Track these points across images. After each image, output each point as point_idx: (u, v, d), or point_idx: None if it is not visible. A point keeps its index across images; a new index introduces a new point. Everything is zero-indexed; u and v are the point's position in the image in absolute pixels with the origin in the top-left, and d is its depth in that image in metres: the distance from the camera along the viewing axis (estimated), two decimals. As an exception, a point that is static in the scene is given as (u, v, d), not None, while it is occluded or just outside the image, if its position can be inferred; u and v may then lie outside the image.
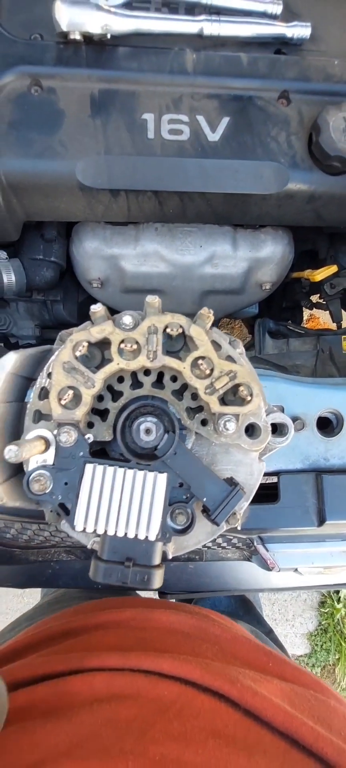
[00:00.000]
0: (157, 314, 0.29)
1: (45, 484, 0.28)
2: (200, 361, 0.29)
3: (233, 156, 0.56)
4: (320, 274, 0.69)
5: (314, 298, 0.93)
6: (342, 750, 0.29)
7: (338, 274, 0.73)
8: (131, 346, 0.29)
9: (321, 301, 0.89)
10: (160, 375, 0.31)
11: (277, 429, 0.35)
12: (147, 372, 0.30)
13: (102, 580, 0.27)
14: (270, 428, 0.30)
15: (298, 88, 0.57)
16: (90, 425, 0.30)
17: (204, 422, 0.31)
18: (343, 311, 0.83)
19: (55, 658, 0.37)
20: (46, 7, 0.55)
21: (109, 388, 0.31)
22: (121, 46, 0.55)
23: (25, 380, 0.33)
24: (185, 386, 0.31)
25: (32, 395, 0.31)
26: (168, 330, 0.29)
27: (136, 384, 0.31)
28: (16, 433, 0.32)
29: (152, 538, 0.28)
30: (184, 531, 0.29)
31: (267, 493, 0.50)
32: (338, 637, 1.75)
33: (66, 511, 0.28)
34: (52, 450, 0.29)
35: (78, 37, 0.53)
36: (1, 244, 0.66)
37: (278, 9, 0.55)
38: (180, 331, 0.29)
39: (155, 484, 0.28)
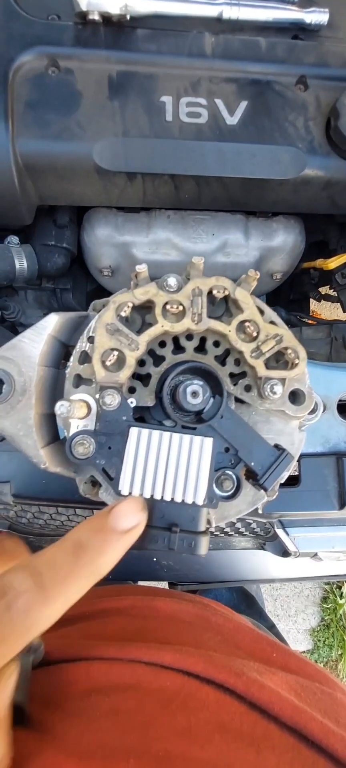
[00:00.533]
0: (202, 277, 0.29)
1: (89, 448, 0.27)
2: (246, 324, 0.29)
3: (251, 140, 0.56)
4: (333, 262, 0.69)
5: (323, 290, 0.93)
6: None
7: (350, 264, 0.74)
8: (176, 308, 0.29)
9: (330, 292, 0.90)
10: (202, 341, 0.31)
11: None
12: (189, 337, 0.30)
13: (148, 546, 0.26)
14: (314, 395, 0.30)
15: (316, 74, 0.57)
16: (131, 390, 0.29)
17: (248, 388, 0.30)
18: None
19: (53, 648, 0.36)
20: (63, -13, 0.55)
21: (151, 352, 0.30)
22: (139, 28, 0.55)
23: (62, 345, 0.32)
24: (228, 352, 0.30)
25: (71, 360, 0.30)
26: (214, 292, 0.29)
27: (178, 348, 0.30)
28: (52, 401, 0.31)
29: (199, 502, 0.27)
30: (231, 497, 0.28)
31: (288, 477, 0.50)
32: (341, 632, 1.76)
33: (109, 477, 0.28)
34: (92, 416, 0.28)
35: (97, 17, 0.52)
36: (13, 228, 0.65)
37: (296, -6, 0.56)
38: (226, 293, 0.29)
39: (202, 448, 0.28)
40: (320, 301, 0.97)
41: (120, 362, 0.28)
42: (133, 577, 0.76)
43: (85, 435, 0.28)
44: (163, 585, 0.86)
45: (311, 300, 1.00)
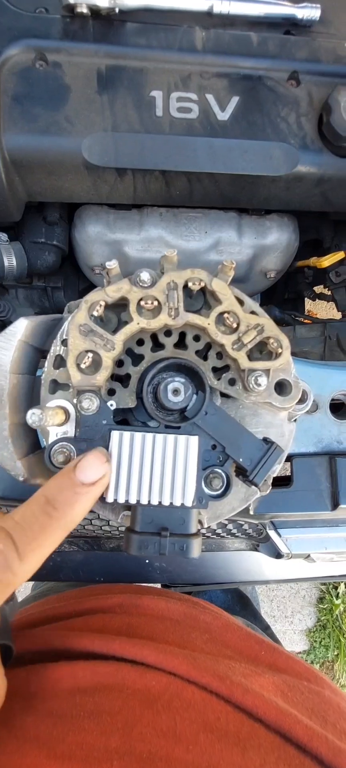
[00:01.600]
0: (176, 270, 0.28)
1: (69, 456, 0.27)
2: (225, 315, 0.28)
3: (242, 136, 0.55)
4: (327, 261, 0.69)
5: (317, 289, 0.93)
6: (338, 749, 0.28)
7: (344, 262, 0.73)
8: (151, 304, 0.28)
9: (324, 291, 0.89)
10: (182, 336, 0.30)
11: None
12: (168, 333, 0.29)
13: (137, 553, 0.26)
14: (300, 384, 0.29)
15: (308, 69, 0.56)
16: (111, 392, 0.29)
17: (232, 382, 0.29)
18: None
19: (36, 637, 0.35)
20: (51, -21, 0.54)
21: (129, 352, 0.29)
22: (129, 22, 0.54)
23: (35, 351, 0.32)
24: (210, 345, 0.29)
25: (46, 365, 0.29)
26: (190, 284, 0.28)
27: (157, 346, 0.29)
28: (29, 409, 0.30)
29: (189, 504, 0.26)
30: (221, 496, 0.27)
31: (280, 477, 0.50)
32: (337, 632, 1.75)
33: None
34: (72, 422, 0.28)
35: (85, 10, 0.51)
36: (2, 225, 0.64)
37: (287, -11, 0.55)
38: (201, 285, 0.28)
39: (187, 447, 0.27)
40: (314, 300, 0.96)
41: (96, 364, 0.28)
42: (124, 579, 0.76)
43: (64, 443, 0.27)
44: (157, 587, 0.85)
45: (307, 299, 0.99)
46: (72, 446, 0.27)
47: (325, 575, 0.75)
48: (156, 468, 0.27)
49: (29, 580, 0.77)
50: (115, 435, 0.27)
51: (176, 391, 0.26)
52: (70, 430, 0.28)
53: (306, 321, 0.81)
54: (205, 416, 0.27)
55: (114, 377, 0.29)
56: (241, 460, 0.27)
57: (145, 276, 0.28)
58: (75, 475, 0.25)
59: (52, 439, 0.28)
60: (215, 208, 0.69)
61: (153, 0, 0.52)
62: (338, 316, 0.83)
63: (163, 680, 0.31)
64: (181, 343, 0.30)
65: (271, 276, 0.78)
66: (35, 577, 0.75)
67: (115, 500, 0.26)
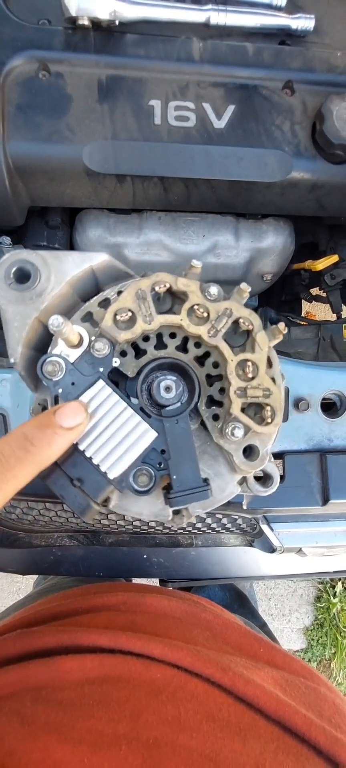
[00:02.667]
0: (240, 304, 0.30)
1: (56, 372, 0.28)
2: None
3: (238, 143, 0.57)
4: (321, 264, 0.71)
5: (314, 291, 0.94)
6: (334, 738, 0.30)
7: (338, 265, 0.75)
8: (201, 314, 0.30)
9: (321, 293, 0.91)
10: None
11: (262, 477, 0.35)
12: (198, 344, 0.31)
13: (46, 482, 0.28)
14: (269, 458, 0.30)
15: (302, 78, 0.58)
16: (123, 354, 0.30)
17: (215, 417, 0.31)
18: (343, 303, 0.85)
19: (46, 634, 0.37)
20: (54, -8, 0.56)
21: (159, 336, 0.31)
22: (129, 33, 0.56)
23: (95, 285, 0.33)
24: (218, 377, 0.31)
25: (93, 299, 0.31)
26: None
27: (183, 348, 0.31)
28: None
29: (111, 476, 0.28)
30: (138, 492, 0.29)
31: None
32: (335, 631, 1.77)
33: (56, 404, 0.28)
34: (78, 351, 0.29)
35: (86, 23, 0.53)
36: (5, 229, 0.66)
37: (282, 1, 0.57)
38: (250, 328, 0.30)
39: (143, 435, 0.28)
40: (311, 302, 0.98)
41: (129, 324, 0.29)
42: (123, 574, 0.77)
43: (61, 360, 0.29)
44: (155, 582, 0.87)
45: (304, 301, 1.01)
46: (65, 366, 0.29)
47: (318, 571, 0.77)
48: (108, 431, 0.28)
49: (32, 573, 0.78)
50: (99, 383, 0.29)
51: (168, 388, 0.28)
52: (72, 356, 0.29)
53: (301, 323, 0.83)
54: (175, 423, 0.29)
55: (133, 345, 0.31)
56: (174, 477, 0.28)
57: (213, 290, 0.30)
58: (55, 418, 0.27)
59: (54, 350, 0.29)
60: (212, 212, 0.71)
61: (152, 12, 0.54)
62: (334, 317, 0.85)
63: (168, 672, 0.33)
64: (201, 360, 0.32)
65: (267, 279, 0.80)
66: (37, 571, 0.77)
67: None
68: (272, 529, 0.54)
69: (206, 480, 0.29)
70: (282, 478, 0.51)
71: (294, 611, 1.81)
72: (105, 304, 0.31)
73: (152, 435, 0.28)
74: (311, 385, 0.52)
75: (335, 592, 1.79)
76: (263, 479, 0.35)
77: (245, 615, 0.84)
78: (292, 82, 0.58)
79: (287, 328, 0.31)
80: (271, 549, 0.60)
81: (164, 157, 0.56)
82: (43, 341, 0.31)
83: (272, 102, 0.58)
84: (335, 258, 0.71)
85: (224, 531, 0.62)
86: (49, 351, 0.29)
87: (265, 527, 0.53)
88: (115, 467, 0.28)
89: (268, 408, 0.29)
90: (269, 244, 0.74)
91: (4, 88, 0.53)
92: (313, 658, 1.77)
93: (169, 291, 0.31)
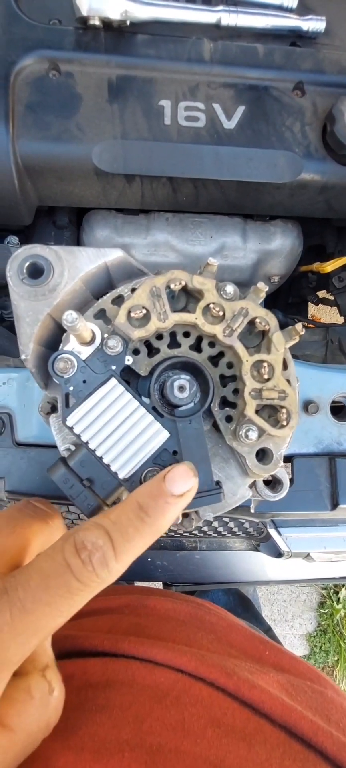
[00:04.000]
0: (256, 303, 0.29)
1: (67, 369, 0.28)
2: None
3: (248, 144, 0.56)
4: (330, 266, 0.70)
5: (321, 294, 0.94)
6: (342, 744, 0.29)
7: (347, 268, 0.74)
8: (217, 312, 0.29)
9: (328, 296, 0.90)
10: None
11: (271, 482, 0.34)
12: (212, 343, 0.31)
13: (55, 480, 0.27)
14: (281, 463, 0.29)
15: (312, 80, 0.58)
16: (136, 352, 0.30)
17: (229, 419, 0.30)
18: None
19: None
20: (64, -8, 0.56)
21: (172, 334, 0.31)
22: (139, 34, 0.56)
23: (109, 282, 0.33)
24: (232, 378, 0.30)
25: (107, 296, 0.31)
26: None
27: (197, 348, 0.31)
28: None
29: (121, 476, 0.27)
30: None
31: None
32: (338, 638, 1.75)
33: (67, 404, 0.28)
34: (90, 349, 0.29)
35: (97, 22, 0.53)
36: (13, 228, 0.66)
37: (293, 2, 0.57)
38: (266, 328, 0.29)
39: (155, 435, 0.28)
40: (318, 305, 0.97)
41: (143, 322, 0.29)
42: (126, 577, 0.77)
43: (73, 356, 0.28)
44: (158, 585, 0.86)
45: (311, 304, 1.00)
46: (76, 363, 0.28)
47: (324, 577, 0.76)
48: (120, 430, 0.28)
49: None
50: (112, 381, 0.28)
51: (181, 388, 0.28)
52: (84, 353, 0.29)
53: (309, 326, 0.82)
54: (188, 424, 0.28)
55: (146, 343, 0.31)
56: None
57: (229, 288, 0.30)
58: (165, 485, 0.26)
59: (66, 347, 0.29)
60: (220, 213, 0.70)
61: (163, 13, 0.54)
62: (341, 320, 0.85)
63: (171, 677, 0.32)
64: (214, 360, 0.31)
65: (275, 280, 0.80)
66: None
67: (71, 427, 0.27)
68: (279, 534, 0.53)
69: (218, 483, 0.29)
70: (291, 481, 0.50)
71: (297, 617, 1.79)
72: (118, 301, 0.30)
73: (165, 435, 0.28)
74: (321, 388, 0.51)
75: (339, 598, 1.77)
76: (273, 484, 0.34)
77: (249, 619, 0.83)
78: (302, 83, 0.58)
79: (304, 330, 0.30)
80: (278, 553, 0.59)
81: (174, 158, 0.55)
82: (55, 338, 0.31)
83: (282, 103, 0.58)
84: (343, 260, 0.71)
85: (230, 535, 0.61)
86: (60, 347, 0.29)
87: (273, 531, 0.53)
88: (126, 467, 0.28)
89: (283, 411, 0.28)
90: (276, 246, 0.74)
91: (15, 87, 0.53)
92: (316, 664, 1.75)
93: (184, 289, 0.30)
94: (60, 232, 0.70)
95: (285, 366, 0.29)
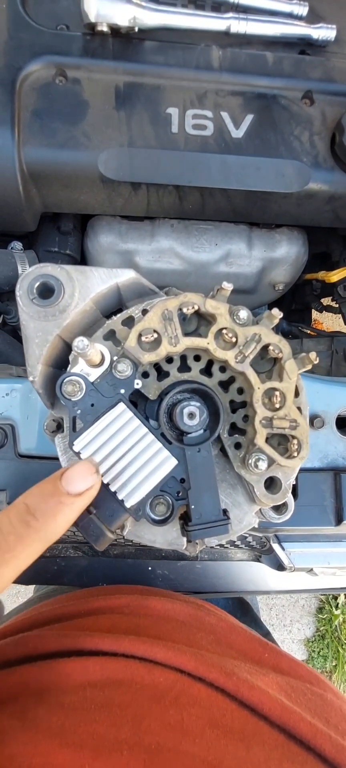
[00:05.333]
0: (269, 330, 0.29)
1: (75, 393, 0.27)
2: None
3: (255, 153, 0.56)
4: (336, 275, 0.70)
5: (325, 301, 0.93)
6: (341, 747, 0.29)
7: (352, 278, 0.74)
8: (229, 338, 0.29)
9: (332, 303, 0.90)
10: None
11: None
12: (223, 368, 0.30)
13: None
14: (289, 492, 0.29)
15: (322, 89, 0.57)
16: (145, 375, 0.30)
17: (238, 446, 0.30)
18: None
19: (48, 638, 0.36)
20: (72, -3, 0.55)
21: (183, 357, 0.30)
22: (147, 40, 0.55)
23: (119, 301, 0.32)
24: (242, 404, 0.30)
25: (117, 316, 0.30)
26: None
27: (207, 372, 0.30)
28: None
29: (127, 505, 0.27)
30: (154, 521, 0.28)
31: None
32: (336, 643, 1.75)
33: (74, 427, 0.28)
34: (99, 371, 0.28)
35: (105, 29, 0.53)
36: (17, 234, 0.66)
37: (303, 10, 0.56)
38: (279, 356, 0.29)
39: (163, 463, 0.27)
40: (321, 312, 0.96)
41: (153, 346, 0.28)
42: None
43: (81, 379, 0.27)
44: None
45: (313, 310, 1.00)
46: (84, 386, 0.27)
47: (326, 587, 0.75)
48: (127, 457, 0.27)
49: (35, 583, 0.77)
50: (120, 406, 0.28)
51: (191, 415, 0.27)
52: (93, 375, 0.28)
53: (311, 333, 0.82)
54: (197, 452, 0.28)
55: (155, 366, 0.30)
56: (193, 507, 0.27)
57: (243, 314, 0.29)
58: (61, 484, 0.24)
59: (74, 369, 0.28)
60: (225, 221, 0.70)
61: (172, 19, 0.53)
62: (345, 329, 0.84)
63: (171, 677, 0.32)
64: (225, 386, 0.31)
65: (279, 288, 0.79)
66: (40, 581, 0.76)
67: (77, 452, 0.27)
68: (283, 549, 0.52)
69: (225, 512, 0.28)
70: (295, 496, 0.50)
71: (295, 622, 1.79)
72: (129, 322, 0.30)
73: (173, 463, 0.27)
74: (327, 402, 0.51)
75: (338, 604, 1.77)
76: (278, 507, 0.34)
77: (248, 623, 0.83)
78: (311, 92, 0.57)
79: (318, 359, 0.30)
80: (280, 566, 0.59)
81: (181, 166, 0.55)
82: (63, 357, 0.30)
83: (291, 112, 0.57)
84: (349, 271, 0.70)
85: (232, 547, 0.61)
86: (69, 369, 0.28)
87: (276, 546, 0.52)
88: (133, 495, 0.27)
89: (295, 441, 0.28)
90: (282, 254, 0.73)
91: (21, 93, 0.53)
92: (324, 676, 1.75)
93: (196, 312, 0.30)
94: (64, 238, 0.69)
95: (297, 393, 0.29)
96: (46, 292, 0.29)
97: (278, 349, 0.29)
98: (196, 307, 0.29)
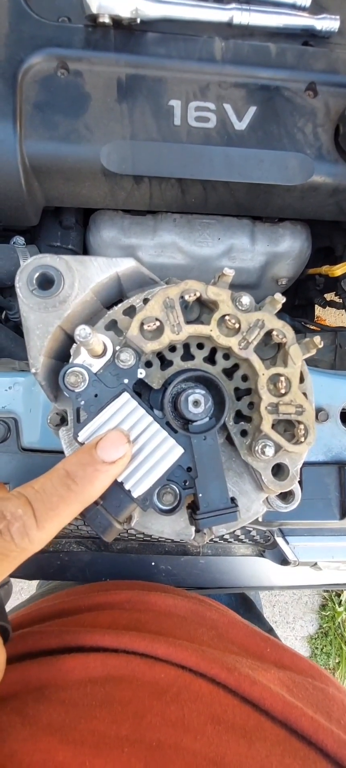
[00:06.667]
0: (272, 315, 0.29)
1: (78, 383, 0.27)
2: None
3: (258, 145, 0.55)
4: (339, 270, 0.69)
5: (328, 296, 0.93)
6: (343, 741, 0.29)
7: (356, 272, 0.73)
8: (232, 324, 0.28)
9: (335, 298, 0.89)
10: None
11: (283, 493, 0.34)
12: (227, 355, 0.30)
13: None
14: (297, 478, 0.29)
15: (325, 80, 0.57)
16: (148, 365, 0.29)
17: (244, 433, 0.30)
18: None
19: (49, 634, 0.36)
20: (74, -11, 0.55)
21: (186, 346, 0.30)
22: (150, 32, 0.55)
23: (119, 291, 0.32)
24: (247, 391, 0.30)
25: (118, 306, 0.30)
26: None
27: (211, 360, 0.30)
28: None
29: (135, 495, 0.27)
30: (162, 511, 0.27)
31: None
32: (339, 640, 1.74)
33: (78, 418, 0.27)
34: (102, 361, 0.28)
35: (107, 20, 0.52)
36: (19, 229, 0.65)
37: (307, 1, 0.55)
38: (283, 341, 0.28)
39: (169, 451, 0.27)
40: (325, 307, 0.96)
41: (156, 334, 0.28)
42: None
43: (84, 370, 0.27)
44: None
45: (316, 305, 0.99)
46: (87, 377, 0.27)
47: (330, 583, 0.75)
48: (134, 447, 0.27)
49: (38, 578, 0.77)
50: (124, 396, 0.27)
51: (196, 402, 0.27)
52: (95, 365, 0.28)
53: (314, 328, 0.81)
54: (203, 440, 0.27)
55: (158, 355, 0.30)
56: (201, 495, 0.27)
57: (245, 300, 0.29)
58: (96, 453, 0.26)
59: (76, 360, 0.28)
60: (228, 215, 0.69)
61: (174, 11, 0.53)
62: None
63: (172, 673, 0.32)
64: (229, 373, 0.30)
65: (282, 283, 0.79)
66: (43, 576, 0.77)
67: (82, 443, 0.27)
68: (287, 543, 0.52)
69: (233, 500, 0.28)
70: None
71: (298, 619, 1.79)
72: (130, 312, 0.30)
73: (179, 451, 0.27)
74: (331, 395, 0.51)
75: (341, 601, 1.76)
76: (285, 495, 0.34)
77: (251, 620, 0.82)
78: (315, 83, 0.57)
79: (322, 343, 0.29)
80: (283, 561, 0.59)
81: (183, 159, 0.54)
82: (65, 349, 0.30)
83: (294, 104, 0.57)
84: (353, 264, 0.70)
85: (236, 542, 0.61)
86: (71, 360, 0.28)
87: (280, 540, 0.52)
88: (140, 485, 0.27)
89: (301, 426, 0.28)
90: (285, 248, 0.73)
91: (22, 85, 0.52)
92: (326, 670, 1.75)
93: (198, 299, 0.30)
94: (66, 233, 0.69)
95: (302, 379, 0.29)
96: (46, 283, 0.28)
97: (281, 334, 0.28)
98: (197, 294, 0.29)
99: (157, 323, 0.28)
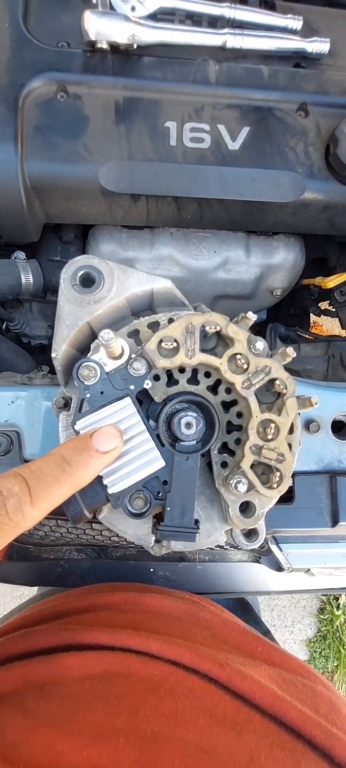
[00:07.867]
0: (280, 365, 0.30)
1: (90, 377, 0.29)
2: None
3: (252, 164, 0.57)
4: (332, 281, 0.71)
5: (323, 305, 0.94)
6: (330, 733, 0.30)
7: (349, 283, 0.75)
8: (241, 364, 0.30)
9: (330, 308, 0.91)
10: (195, 371, 0.32)
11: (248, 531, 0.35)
12: (229, 390, 0.31)
13: None
14: (262, 521, 0.30)
15: (316, 101, 0.59)
16: (156, 378, 0.31)
17: (224, 465, 0.31)
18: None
19: (48, 633, 0.38)
20: (73, 16, 0.57)
21: (194, 371, 0.32)
22: (146, 56, 0.57)
23: (150, 305, 0.34)
24: (238, 427, 0.31)
25: (142, 318, 0.32)
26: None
27: (213, 389, 0.32)
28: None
29: (109, 491, 0.29)
30: (131, 514, 0.29)
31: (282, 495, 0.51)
32: (337, 644, 1.75)
33: (81, 408, 0.29)
34: (116, 363, 0.30)
35: (105, 46, 0.54)
36: (20, 245, 0.67)
37: (298, 24, 0.57)
38: (283, 392, 0.30)
39: (151, 462, 0.29)
40: (319, 316, 0.98)
41: (170, 354, 0.30)
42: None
43: (98, 366, 0.29)
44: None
45: (311, 314, 1.01)
46: (100, 373, 0.29)
47: (324, 587, 0.77)
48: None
49: (40, 584, 0.78)
50: (126, 400, 0.30)
51: (188, 425, 0.29)
52: (109, 365, 0.30)
53: (309, 337, 0.83)
54: (184, 460, 0.29)
55: (167, 372, 0.32)
56: (168, 509, 0.29)
57: (260, 345, 0.31)
58: (91, 441, 0.28)
59: (94, 357, 0.30)
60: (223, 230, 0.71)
61: (169, 36, 0.55)
62: (342, 333, 0.85)
63: (166, 669, 0.34)
64: (213, 389, 0.32)
65: (277, 293, 0.80)
66: (44, 583, 0.78)
67: (77, 431, 0.29)
68: (280, 549, 0.54)
69: (197, 522, 0.30)
70: (292, 498, 0.51)
71: (297, 622, 1.80)
72: (154, 326, 0.32)
73: (160, 463, 0.29)
74: (322, 407, 0.52)
75: (339, 605, 1.77)
76: (249, 532, 0.35)
77: (248, 622, 0.83)
78: (306, 104, 0.59)
79: (317, 403, 0.31)
80: (278, 567, 0.60)
81: (179, 178, 0.56)
82: (86, 343, 0.32)
83: (286, 124, 0.59)
84: (345, 275, 0.72)
85: (231, 548, 0.62)
86: (89, 355, 0.30)
87: (274, 547, 0.54)
88: (117, 483, 0.29)
89: (278, 473, 0.29)
90: (279, 260, 0.75)
91: (24, 109, 0.54)
92: (315, 670, 1.76)
93: (218, 332, 0.31)
94: (66, 248, 0.71)
95: (291, 430, 0.30)
96: (88, 281, 0.30)
97: (283, 385, 0.30)
98: (218, 328, 0.30)
99: (175, 344, 0.30)
